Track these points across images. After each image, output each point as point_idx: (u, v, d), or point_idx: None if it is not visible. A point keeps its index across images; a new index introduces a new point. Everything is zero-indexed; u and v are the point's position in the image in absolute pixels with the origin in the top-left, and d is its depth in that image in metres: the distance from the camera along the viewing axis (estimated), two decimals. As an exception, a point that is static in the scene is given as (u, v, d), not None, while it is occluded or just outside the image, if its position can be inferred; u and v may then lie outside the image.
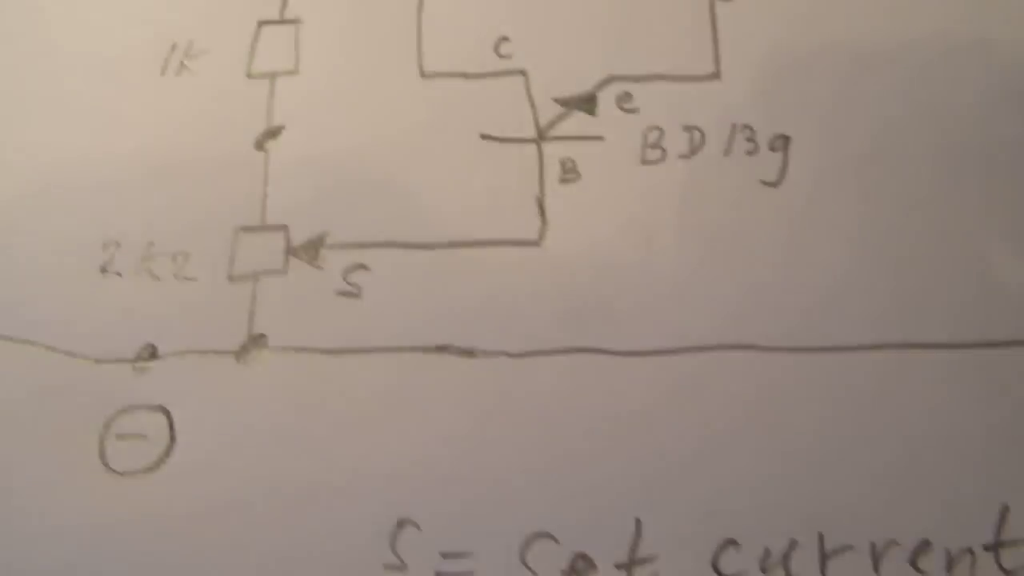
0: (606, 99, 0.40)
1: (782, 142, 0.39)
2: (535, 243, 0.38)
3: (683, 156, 0.39)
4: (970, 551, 0.33)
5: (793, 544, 0.34)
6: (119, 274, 0.39)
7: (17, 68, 0.42)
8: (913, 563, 0.33)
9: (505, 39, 0.40)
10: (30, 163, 0.40)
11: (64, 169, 0.40)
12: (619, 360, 0.36)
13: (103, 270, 0.39)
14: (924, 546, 0.33)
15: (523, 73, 0.40)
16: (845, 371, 0.35)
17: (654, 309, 0.37)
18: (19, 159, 0.40)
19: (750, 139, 0.39)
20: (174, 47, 0.41)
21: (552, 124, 0.39)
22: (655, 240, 0.38)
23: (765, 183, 0.38)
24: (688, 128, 0.39)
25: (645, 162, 0.39)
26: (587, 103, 0.40)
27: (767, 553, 0.34)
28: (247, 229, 0.39)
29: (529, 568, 0.34)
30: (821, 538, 0.34)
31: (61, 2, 0.42)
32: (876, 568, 0.33)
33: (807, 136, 0.39)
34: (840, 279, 0.37)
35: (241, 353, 0.37)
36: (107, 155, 0.40)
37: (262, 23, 0.41)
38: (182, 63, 0.41)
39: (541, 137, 0.39)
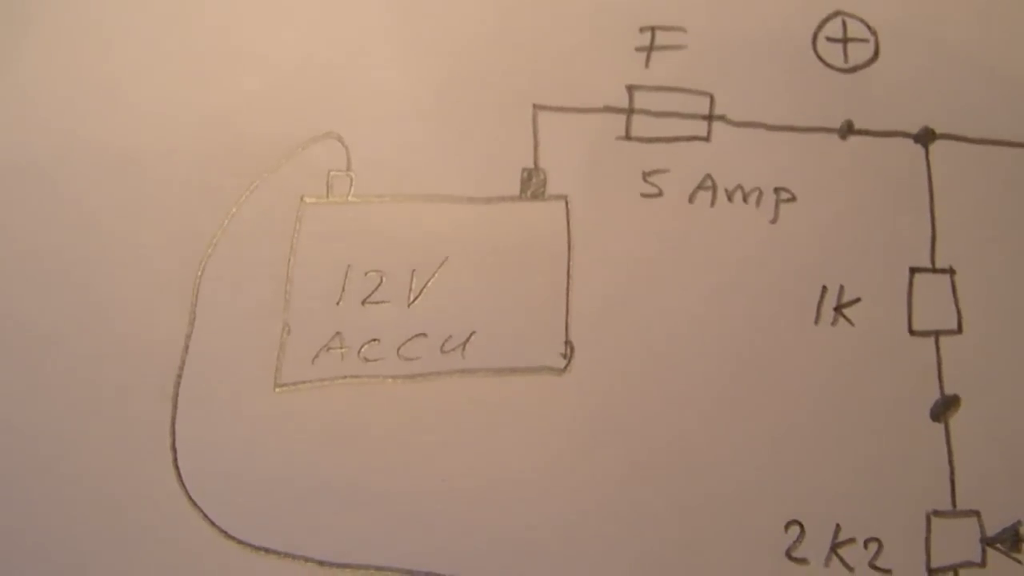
0: None
1: None
2: None
3: None
4: None
5: None
6: (806, 560, 0.36)
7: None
8: None
9: None
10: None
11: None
12: None
13: (788, 555, 0.36)
14: None
15: None
16: None
17: None
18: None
19: None
20: (824, 291, 0.38)
21: None
22: None
23: None
24: None
25: None
26: None
27: None
28: (938, 514, 0.36)
29: None
30: None
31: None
32: None
33: None
34: None
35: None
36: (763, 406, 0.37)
37: (914, 270, 0.39)
38: (836, 311, 0.38)
39: None
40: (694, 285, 0.38)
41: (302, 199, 0.39)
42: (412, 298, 0.38)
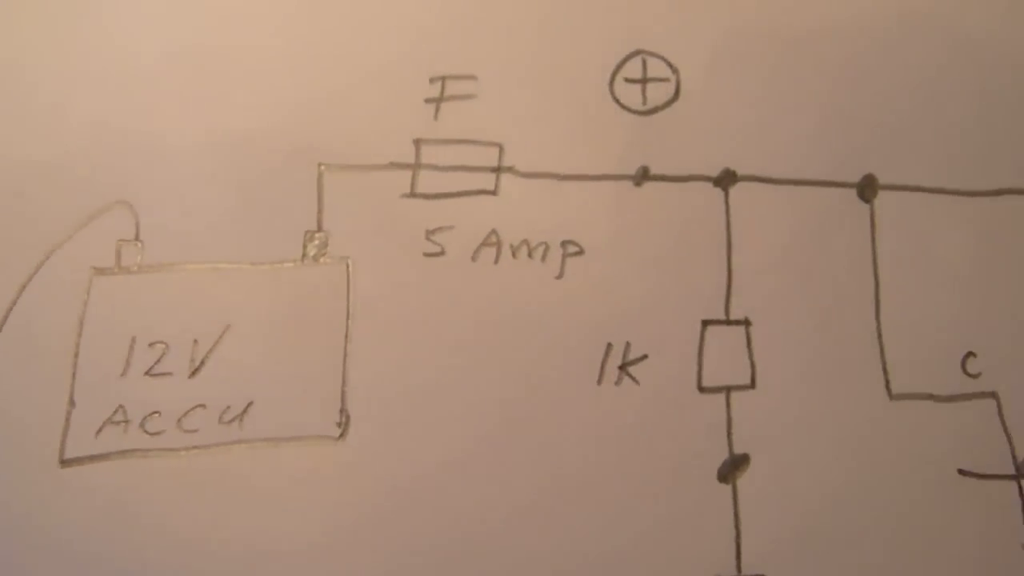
0: (1081, 431, 0.38)
1: None
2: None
3: None
4: None
5: None
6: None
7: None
8: None
9: (972, 354, 0.38)
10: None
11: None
12: None
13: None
14: None
15: (994, 396, 0.37)
16: None
17: None
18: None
19: None
20: (609, 348, 0.37)
21: (1030, 457, 0.37)
22: None
23: None
24: None
25: (1125, 505, 0.37)
26: (1061, 434, 0.37)
27: None
28: (723, 582, 0.35)
29: None
30: None
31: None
32: None
33: None
34: None
35: None
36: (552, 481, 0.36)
37: (707, 323, 0.37)
38: (621, 369, 0.37)
39: (1020, 473, 0.37)
40: (474, 347, 0.37)
41: (92, 270, 0.39)
42: (193, 368, 0.37)
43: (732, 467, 0.36)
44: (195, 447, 0.37)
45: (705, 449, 0.36)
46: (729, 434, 0.36)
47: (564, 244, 0.38)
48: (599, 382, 0.36)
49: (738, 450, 0.36)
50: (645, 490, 0.35)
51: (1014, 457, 0.37)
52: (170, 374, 0.37)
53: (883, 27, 0.40)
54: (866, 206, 0.39)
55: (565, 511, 0.35)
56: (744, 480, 0.35)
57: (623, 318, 0.37)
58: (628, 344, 0.37)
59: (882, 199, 0.39)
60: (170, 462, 0.37)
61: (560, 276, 0.37)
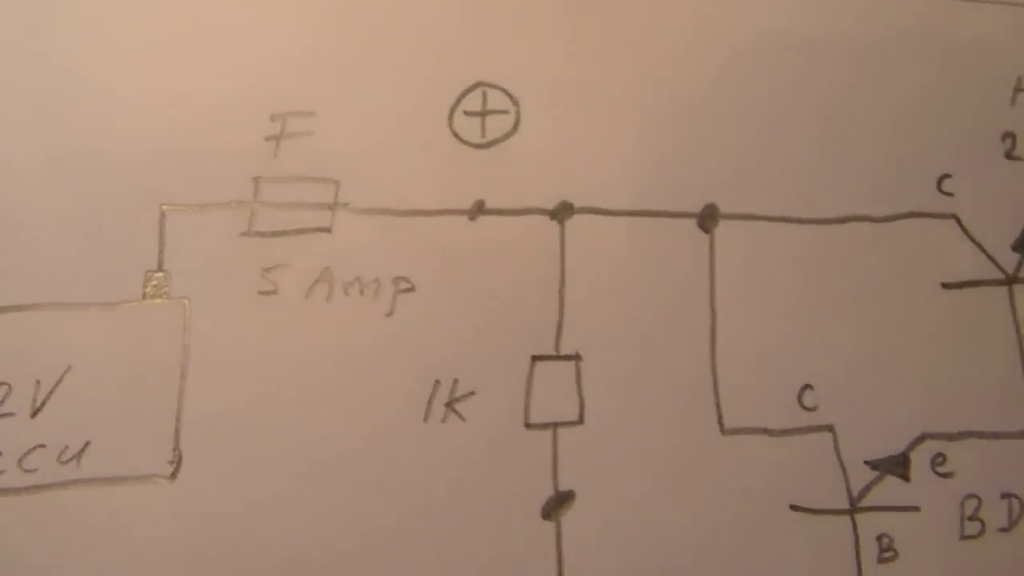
0: (920, 461, 0.37)
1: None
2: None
3: (1002, 529, 0.37)
4: None
5: None
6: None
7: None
8: None
9: (809, 387, 0.37)
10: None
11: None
12: None
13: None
14: None
15: (831, 429, 0.37)
16: None
17: None
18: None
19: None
20: (437, 385, 0.37)
21: (865, 491, 0.37)
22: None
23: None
24: (1006, 495, 0.37)
25: (964, 537, 0.36)
26: (900, 467, 0.37)
27: None
28: (543, 620, 0.35)
29: None
30: None
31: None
32: None
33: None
34: None
35: None
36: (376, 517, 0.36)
37: (536, 359, 0.37)
38: (448, 406, 0.37)
39: (854, 507, 0.36)
40: (306, 385, 0.37)
41: (-58, 311, 0.39)
42: (35, 409, 0.38)
43: (556, 504, 0.35)
44: (35, 487, 0.37)
45: (530, 486, 0.36)
46: (555, 471, 0.36)
47: (396, 280, 0.37)
48: (425, 419, 0.36)
49: (564, 487, 0.36)
50: (469, 528, 0.35)
51: (849, 491, 0.36)
52: (12, 414, 0.38)
53: (723, 56, 0.39)
54: (706, 236, 0.38)
55: (391, 548, 0.35)
56: (568, 517, 0.35)
57: (452, 355, 0.37)
58: (456, 381, 0.37)
59: (723, 229, 0.38)
60: (11, 503, 0.37)
61: (391, 313, 0.37)
